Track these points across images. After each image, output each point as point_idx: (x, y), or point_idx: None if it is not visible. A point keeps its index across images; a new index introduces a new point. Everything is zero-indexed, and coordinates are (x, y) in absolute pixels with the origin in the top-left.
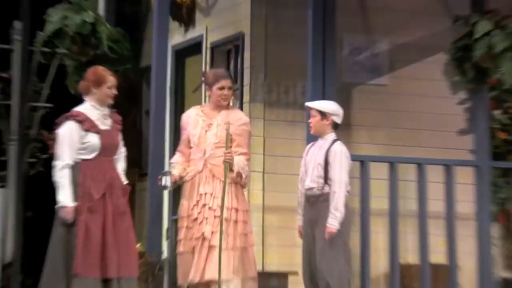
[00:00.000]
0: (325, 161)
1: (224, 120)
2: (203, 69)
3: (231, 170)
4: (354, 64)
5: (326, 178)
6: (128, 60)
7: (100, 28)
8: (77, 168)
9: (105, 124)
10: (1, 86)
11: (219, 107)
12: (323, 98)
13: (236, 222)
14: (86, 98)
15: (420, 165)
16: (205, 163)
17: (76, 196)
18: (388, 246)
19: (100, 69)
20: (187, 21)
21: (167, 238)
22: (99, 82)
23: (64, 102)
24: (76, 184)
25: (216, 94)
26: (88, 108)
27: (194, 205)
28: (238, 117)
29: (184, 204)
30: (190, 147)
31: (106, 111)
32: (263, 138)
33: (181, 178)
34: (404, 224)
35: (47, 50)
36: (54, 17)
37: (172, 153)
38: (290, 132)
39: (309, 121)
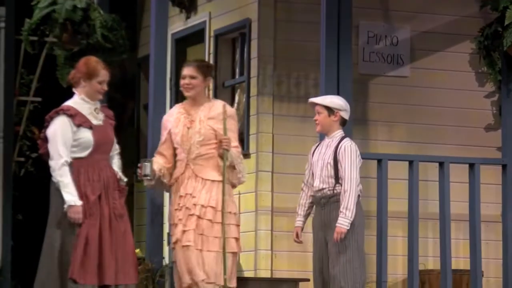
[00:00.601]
0: (334, 159)
1: (206, 115)
2: (206, 59)
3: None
4: (372, 54)
5: (337, 177)
6: (124, 49)
7: (93, 14)
8: (70, 167)
9: (97, 119)
10: None
11: (197, 102)
12: (338, 91)
13: (211, 222)
14: (76, 91)
15: (442, 163)
16: (187, 163)
17: None
18: (407, 251)
19: (93, 61)
20: (188, 7)
21: (168, 243)
22: (90, 75)
23: (54, 96)
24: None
25: (180, 85)
26: (79, 102)
27: (176, 209)
28: (221, 111)
29: (170, 209)
30: (174, 148)
31: (98, 105)
32: (272, 135)
33: (160, 173)
34: (425, 228)
35: (35, 38)
36: (42, 2)
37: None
38: (301, 128)
39: (316, 118)
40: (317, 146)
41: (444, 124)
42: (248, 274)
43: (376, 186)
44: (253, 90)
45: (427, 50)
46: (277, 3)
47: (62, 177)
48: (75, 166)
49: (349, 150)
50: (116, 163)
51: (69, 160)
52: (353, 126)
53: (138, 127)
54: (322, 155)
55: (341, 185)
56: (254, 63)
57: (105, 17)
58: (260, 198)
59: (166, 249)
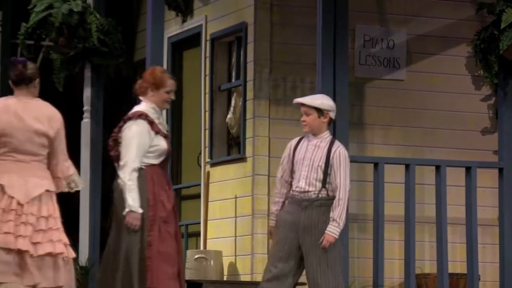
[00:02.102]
0: (326, 163)
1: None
2: (203, 62)
3: None
4: (368, 57)
5: (325, 181)
6: (120, 53)
7: (89, 18)
8: (142, 173)
9: (164, 129)
10: None
11: None
12: (334, 94)
13: None
14: (143, 99)
15: (439, 167)
16: None
17: (147, 204)
18: (404, 255)
19: (159, 71)
20: (185, 10)
21: None
22: (157, 85)
23: (50, 100)
24: (144, 191)
25: None
26: (150, 110)
27: None
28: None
29: None
30: None
31: (163, 114)
32: (268, 139)
33: None
34: (421, 231)
35: (31, 42)
36: (39, 6)
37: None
38: (297, 132)
39: (304, 119)
40: (298, 143)
41: (441, 128)
42: (244, 278)
43: (372, 190)
44: (250, 94)
45: (423, 54)
46: (273, 7)
47: (131, 181)
48: (148, 173)
49: (344, 156)
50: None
51: (139, 166)
52: (350, 130)
53: None
54: (310, 155)
55: (327, 190)
56: (250, 67)
57: (101, 21)
58: (257, 202)
59: None
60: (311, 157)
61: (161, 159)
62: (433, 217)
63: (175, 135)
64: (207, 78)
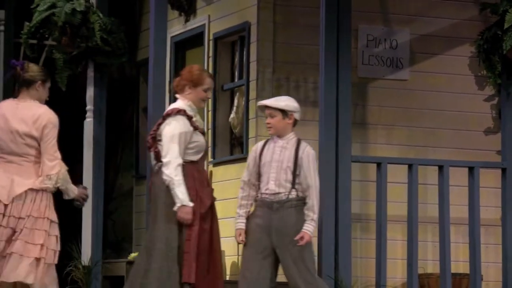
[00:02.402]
0: (295, 164)
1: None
2: (206, 62)
3: None
4: (371, 57)
5: (294, 182)
6: (123, 53)
7: (92, 17)
8: (183, 170)
9: (201, 125)
10: None
11: None
12: (337, 94)
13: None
14: (180, 97)
15: (442, 167)
16: None
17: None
18: (406, 255)
19: (197, 69)
20: (188, 10)
21: None
22: (195, 83)
23: (54, 99)
24: (185, 185)
25: None
26: (187, 108)
27: None
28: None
29: None
30: None
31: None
32: None
33: None
34: (424, 231)
35: (34, 42)
36: (42, 5)
37: None
38: (300, 131)
39: (268, 121)
40: (264, 146)
41: (444, 128)
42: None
43: (375, 190)
44: (252, 94)
45: (426, 54)
46: (276, 7)
47: (177, 176)
48: (188, 169)
49: (312, 156)
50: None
51: (182, 161)
52: (352, 130)
53: (137, 131)
54: (278, 157)
55: (296, 190)
56: (253, 67)
57: (104, 20)
58: None
59: None
60: (279, 159)
61: (200, 155)
62: (436, 217)
63: None
64: None
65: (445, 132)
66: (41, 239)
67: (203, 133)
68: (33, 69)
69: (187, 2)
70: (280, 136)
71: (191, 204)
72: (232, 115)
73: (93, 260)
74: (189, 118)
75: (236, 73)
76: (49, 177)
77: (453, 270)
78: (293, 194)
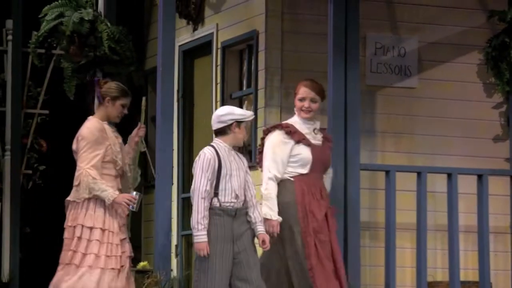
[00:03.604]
0: (245, 171)
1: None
2: (214, 71)
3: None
4: (379, 65)
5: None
6: (131, 61)
7: (100, 27)
8: (290, 185)
9: (315, 139)
10: None
11: None
12: (345, 102)
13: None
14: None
15: (451, 175)
16: None
17: (297, 217)
18: (415, 263)
19: (302, 83)
20: (196, 19)
21: (177, 255)
22: (295, 94)
23: (62, 108)
24: (293, 203)
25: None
26: (299, 121)
27: None
28: None
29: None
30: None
31: (317, 125)
32: None
33: None
34: (433, 239)
35: (42, 51)
36: (50, 15)
37: (182, 163)
38: None
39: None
40: (218, 155)
41: (452, 135)
42: None
43: (384, 198)
44: (261, 102)
45: (434, 61)
46: (284, 15)
47: (267, 190)
48: (297, 183)
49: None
50: (328, 185)
51: (279, 176)
52: (361, 137)
53: (146, 139)
54: (237, 166)
55: (246, 197)
56: (261, 75)
57: (112, 30)
58: None
59: (174, 261)
60: (239, 166)
61: (308, 167)
62: (445, 224)
63: (186, 143)
64: (218, 86)
65: (453, 140)
66: (72, 246)
67: (309, 145)
68: (105, 86)
69: (195, 11)
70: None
71: (275, 218)
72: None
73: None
74: (289, 131)
75: (244, 82)
76: (75, 188)
77: (462, 278)
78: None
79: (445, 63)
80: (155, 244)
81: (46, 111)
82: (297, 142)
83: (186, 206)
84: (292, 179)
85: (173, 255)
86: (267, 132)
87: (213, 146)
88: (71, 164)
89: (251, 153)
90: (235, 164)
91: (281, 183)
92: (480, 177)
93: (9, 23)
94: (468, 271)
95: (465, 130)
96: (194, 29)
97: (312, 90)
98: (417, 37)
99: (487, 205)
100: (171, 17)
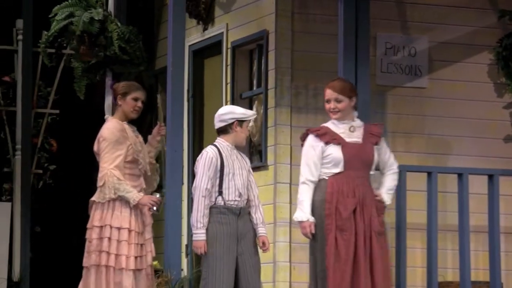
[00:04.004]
0: (248, 171)
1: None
2: (224, 70)
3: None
4: (390, 65)
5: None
6: (141, 61)
7: (110, 26)
8: (323, 184)
9: (351, 136)
10: (4, 90)
11: None
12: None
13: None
14: None
15: (461, 175)
16: None
17: (324, 214)
18: (426, 263)
19: (327, 85)
20: (206, 18)
21: (187, 255)
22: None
23: (72, 108)
24: (323, 201)
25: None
26: (332, 122)
27: None
28: None
29: None
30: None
31: (355, 123)
32: (290, 147)
33: None
34: (444, 239)
35: (52, 51)
36: (60, 14)
37: (192, 163)
38: None
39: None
40: (220, 153)
41: (463, 135)
42: (266, 286)
43: (394, 198)
44: (271, 102)
45: (445, 61)
46: (294, 15)
47: (299, 194)
48: (329, 182)
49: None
50: (387, 182)
51: (312, 178)
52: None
53: None
54: (240, 165)
55: (248, 196)
56: (271, 75)
57: (122, 29)
58: (278, 210)
59: (184, 261)
60: (241, 165)
61: (341, 166)
62: (456, 225)
63: (196, 143)
64: (228, 86)
65: (464, 140)
66: (104, 247)
67: (339, 144)
68: (116, 85)
69: (205, 11)
70: (236, 146)
71: (306, 219)
72: (250, 124)
73: None
74: (319, 134)
75: (255, 81)
76: (99, 189)
77: (473, 278)
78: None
79: (456, 63)
80: (165, 244)
81: (57, 111)
82: (326, 143)
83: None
84: (326, 178)
85: (183, 254)
86: (303, 137)
87: (215, 145)
88: (81, 164)
89: (261, 153)
90: (238, 163)
91: (318, 183)
92: (491, 177)
93: (20, 23)
94: (479, 271)
95: (476, 130)
96: (204, 29)
97: (334, 91)
98: (427, 37)
99: (498, 205)
100: (181, 17)
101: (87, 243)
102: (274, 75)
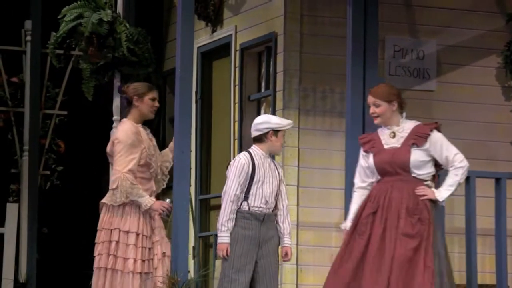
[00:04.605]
0: (278, 179)
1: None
2: (232, 72)
3: None
4: (398, 68)
5: (276, 198)
6: (149, 63)
7: (119, 28)
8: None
9: (391, 142)
10: (12, 91)
11: None
12: (363, 104)
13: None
14: None
15: (469, 178)
16: None
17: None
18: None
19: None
20: (214, 20)
21: (194, 257)
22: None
23: (80, 109)
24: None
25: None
26: (380, 129)
27: None
28: None
29: None
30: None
31: (398, 128)
32: (298, 149)
33: None
34: (450, 242)
35: (61, 52)
36: (68, 16)
37: (199, 165)
38: (327, 142)
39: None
40: (253, 161)
41: (470, 139)
42: None
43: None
44: (279, 104)
45: (453, 64)
46: (303, 17)
47: (350, 203)
48: (373, 189)
49: (231, 165)
50: (447, 178)
51: (361, 184)
52: None
53: (164, 141)
54: (271, 174)
55: (277, 204)
56: (280, 77)
57: (131, 31)
58: None
59: (191, 262)
60: (272, 173)
61: (377, 174)
62: (462, 228)
63: (204, 145)
64: (237, 88)
65: (471, 143)
66: (112, 250)
67: (373, 152)
68: (129, 87)
69: (214, 13)
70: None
71: (343, 227)
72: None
73: None
74: (363, 143)
75: (263, 84)
76: (111, 191)
77: (479, 281)
78: (273, 208)
79: (464, 66)
80: (172, 246)
81: (64, 112)
82: (366, 151)
83: (203, 207)
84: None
85: (190, 256)
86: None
87: (249, 152)
88: (89, 165)
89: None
90: (269, 171)
91: None
92: (498, 180)
93: (28, 24)
94: (485, 274)
95: (484, 134)
96: (213, 31)
97: (372, 96)
98: (436, 40)
99: (505, 208)
100: (189, 19)
101: (96, 245)
102: (283, 77)
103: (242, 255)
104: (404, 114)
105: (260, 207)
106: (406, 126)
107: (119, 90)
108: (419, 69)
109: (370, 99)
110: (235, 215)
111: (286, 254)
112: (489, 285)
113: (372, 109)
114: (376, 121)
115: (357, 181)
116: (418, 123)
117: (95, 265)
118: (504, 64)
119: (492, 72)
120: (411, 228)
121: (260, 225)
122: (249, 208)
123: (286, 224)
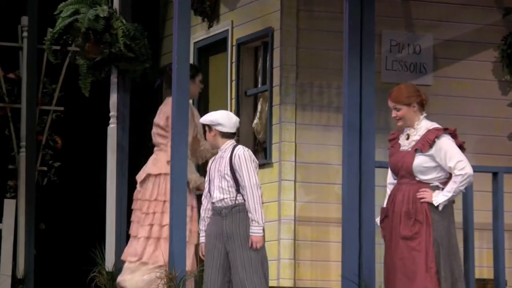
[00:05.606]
0: (231, 169)
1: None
2: (229, 68)
3: None
4: (394, 62)
5: (238, 187)
6: (146, 58)
7: (116, 23)
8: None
9: (405, 144)
10: (9, 87)
11: None
12: (360, 99)
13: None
14: None
15: None
16: None
17: None
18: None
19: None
20: (211, 16)
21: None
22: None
23: (77, 105)
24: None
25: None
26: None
27: None
28: None
29: None
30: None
31: (415, 130)
32: (295, 144)
33: None
34: None
35: (57, 48)
36: (65, 11)
37: None
38: (323, 137)
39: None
40: (213, 160)
41: (467, 133)
42: (271, 283)
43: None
44: (276, 99)
45: (450, 59)
46: (299, 12)
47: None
48: (392, 190)
49: (243, 157)
50: (448, 184)
51: (391, 180)
52: (376, 135)
53: None
54: (217, 167)
55: (243, 195)
56: (276, 72)
57: (127, 27)
58: (283, 207)
59: None
60: (219, 168)
61: (393, 173)
62: (460, 222)
63: None
64: (233, 83)
65: (468, 138)
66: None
67: (390, 154)
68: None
69: (211, 8)
70: (218, 148)
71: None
72: (255, 121)
73: (116, 266)
74: (389, 140)
75: (260, 79)
76: (154, 162)
77: (477, 276)
78: (240, 199)
79: (461, 61)
80: (170, 240)
81: (61, 108)
82: (389, 149)
83: (200, 202)
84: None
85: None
86: None
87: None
88: (86, 161)
89: (266, 150)
90: None
91: None
92: (495, 174)
93: (25, 20)
94: (483, 268)
95: (481, 128)
96: (209, 26)
97: (391, 100)
98: (432, 34)
99: (502, 203)
100: (186, 14)
101: (142, 216)
102: (279, 73)
103: (208, 253)
104: (424, 114)
105: (215, 200)
106: (421, 129)
107: (164, 71)
108: (416, 63)
109: (390, 103)
110: (206, 214)
111: (251, 241)
112: (487, 279)
113: (394, 113)
114: (399, 124)
115: (389, 176)
116: (432, 126)
117: (145, 234)
118: (501, 58)
119: (488, 66)
120: (408, 230)
121: (221, 219)
122: (211, 205)
123: (249, 213)
